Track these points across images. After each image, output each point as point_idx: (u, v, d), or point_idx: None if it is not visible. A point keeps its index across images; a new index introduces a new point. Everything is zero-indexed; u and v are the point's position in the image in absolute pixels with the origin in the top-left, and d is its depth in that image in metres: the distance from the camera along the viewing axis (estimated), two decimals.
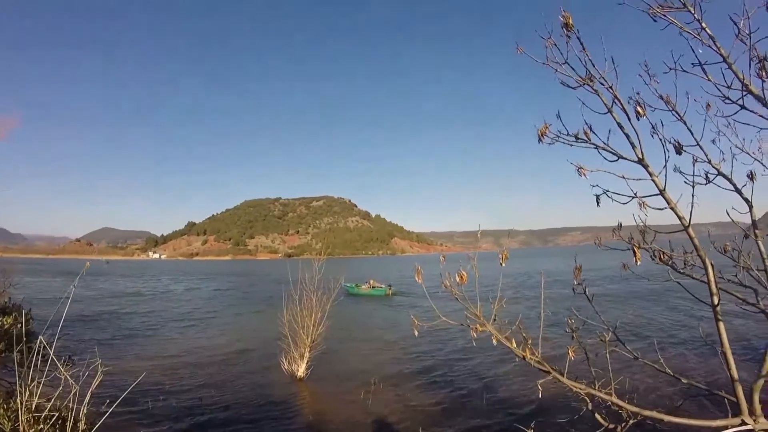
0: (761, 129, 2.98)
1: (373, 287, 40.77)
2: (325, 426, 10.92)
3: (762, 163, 3.03)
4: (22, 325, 4.76)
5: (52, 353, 3.45)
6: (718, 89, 2.88)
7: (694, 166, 2.89)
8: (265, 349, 18.20)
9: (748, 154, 3.03)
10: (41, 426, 3.26)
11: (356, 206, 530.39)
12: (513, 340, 3.33)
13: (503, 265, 3.60)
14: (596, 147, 3.14)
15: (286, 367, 15.01)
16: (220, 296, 48.02)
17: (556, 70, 3.17)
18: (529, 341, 3.34)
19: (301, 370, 14.86)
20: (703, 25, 2.89)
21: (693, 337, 18.84)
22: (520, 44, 3.22)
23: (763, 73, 2.74)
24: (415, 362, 17.04)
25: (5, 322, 4.76)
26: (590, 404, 3.62)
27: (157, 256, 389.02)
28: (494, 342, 3.39)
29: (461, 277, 3.47)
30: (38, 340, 3.52)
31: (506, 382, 13.94)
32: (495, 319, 3.50)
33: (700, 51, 2.93)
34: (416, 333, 3.89)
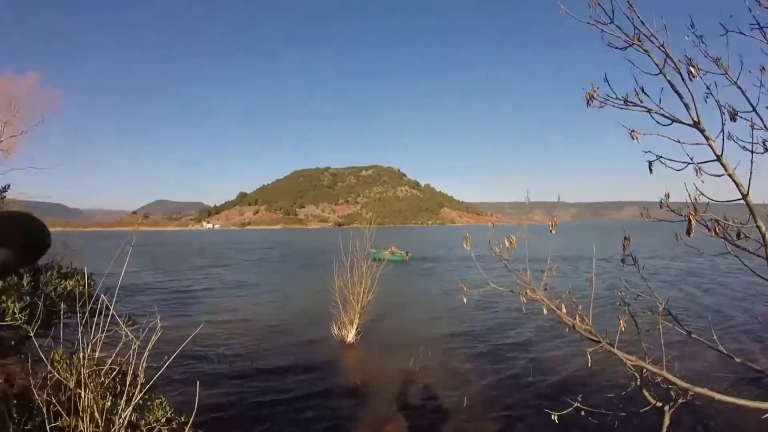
0: None
1: (393, 253, 42.55)
2: (372, 391, 11.18)
3: None
4: (84, 287, 5.02)
5: (113, 310, 3.64)
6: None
7: (752, 133, 2.70)
8: (317, 314, 18.63)
9: None
10: (102, 379, 3.47)
11: (405, 176, 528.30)
12: (564, 308, 3.28)
13: (553, 232, 3.55)
14: (648, 110, 3.01)
15: (335, 332, 15.41)
16: (273, 264, 49.56)
17: (603, 30, 3.04)
18: (579, 307, 3.29)
19: (350, 336, 15.22)
20: None
21: (750, 317, 17.91)
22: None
23: None
24: (461, 331, 17.12)
25: (68, 285, 5.05)
26: (639, 380, 3.56)
27: (210, 226, 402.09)
28: (544, 311, 3.36)
29: (510, 241, 3.44)
30: (100, 299, 3.71)
31: (553, 354, 13.79)
32: (546, 288, 3.46)
33: (757, 12, 2.75)
34: (465, 300, 3.91)
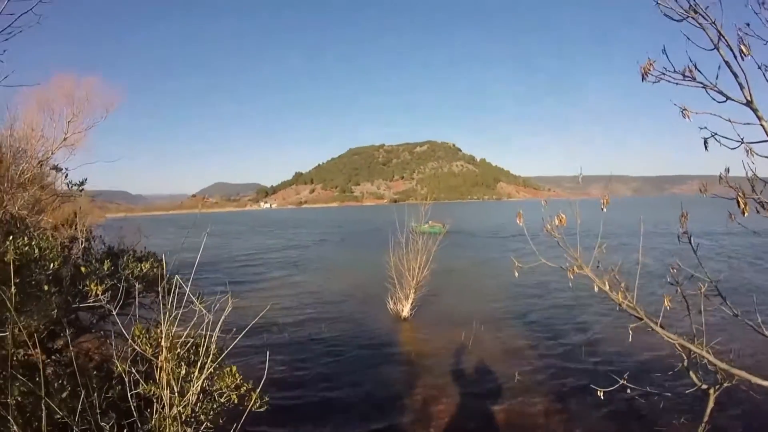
0: None
1: (432, 226, 42.43)
2: (426, 364, 11.42)
3: None
4: (158, 269, 5.46)
5: (188, 289, 3.98)
6: None
7: None
8: (373, 290, 19.00)
9: None
10: (178, 350, 3.81)
11: (460, 150, 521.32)
12: (606, 283, 3.29)
13: (604, 210, 3.55)
14: (703, 86, 2.93)
15: (391, 307, 15.75)
16: (329, 241, 50.64)
17: (657, 1, 2.97)
18: (623, 284, 3.29)
19: (405, 311, 15.50)
20: None
21: None
22: None
23: None
24: (513, 308, 17.10)
25: (143, 267, 5.47)
26: (686, 361, 3.55)
27: (267, 205, 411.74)
28: (595, 289, 3.39)
29: (560, 219, 3.48)
30: (175, 279, 4.04)
31: (605, 333, 13.52)
32: (599, 265, 3.48)
33: None
34: (516, 274, 3.97)
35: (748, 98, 2.72)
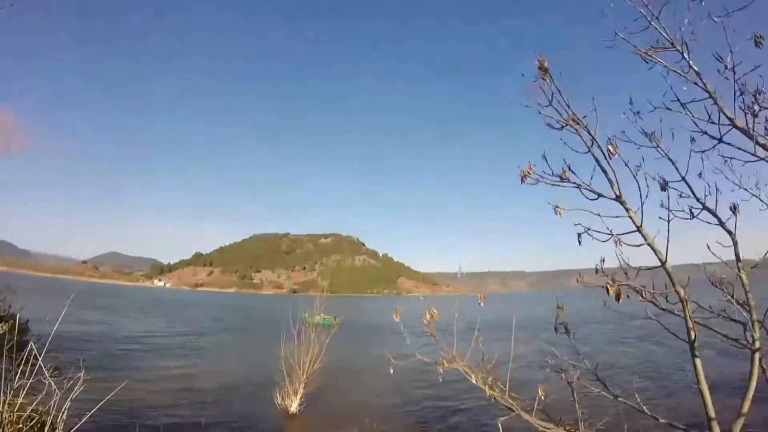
0: (746, 162, 2.94)
1: (323, 318, 41.63)
2: None
3: (750, 192, 2.95)
4: (13, 331, 4.89)
5: (40, 360, 3.53)
6: (696, 125, 2.92)
7: (669, 202, 2.89)
8: (260, 382, 18.12)
9: (739, 186, 2.98)
10: (20, 426, 3.31)
11: (364, 245, 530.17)
12: (479, 375, 3.30)
13: (482, 304, 3.66)
14: (578, 186, 3.17)
15: (279, 401, 14.94)
16: (223, 330, 48.01)
17: (540, 112, 3.22)
18: (490, 378, 3.32)
19: (294, 406, 14.75)
20: (690, 63, 2.94)
21: (678, 374, 18.28)
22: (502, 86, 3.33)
23: (755, 106, 2.77)
24: (403, 400, 17.08)
25: (2, 329, 4.86)
26: None
27: (162, 284, 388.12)
28: (472, 380, 3.39)
29: (431, 315, 3.55)
30: (28, 346, 3.59)
31: (490, 420, 13.61)
32: (483, 358, 3.49)
33: (684, 89, 2.98)
34: (392, 371, 4.03)
35: (617, 193, 2.92)
